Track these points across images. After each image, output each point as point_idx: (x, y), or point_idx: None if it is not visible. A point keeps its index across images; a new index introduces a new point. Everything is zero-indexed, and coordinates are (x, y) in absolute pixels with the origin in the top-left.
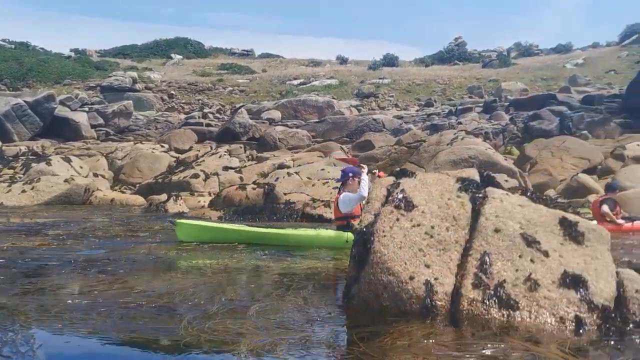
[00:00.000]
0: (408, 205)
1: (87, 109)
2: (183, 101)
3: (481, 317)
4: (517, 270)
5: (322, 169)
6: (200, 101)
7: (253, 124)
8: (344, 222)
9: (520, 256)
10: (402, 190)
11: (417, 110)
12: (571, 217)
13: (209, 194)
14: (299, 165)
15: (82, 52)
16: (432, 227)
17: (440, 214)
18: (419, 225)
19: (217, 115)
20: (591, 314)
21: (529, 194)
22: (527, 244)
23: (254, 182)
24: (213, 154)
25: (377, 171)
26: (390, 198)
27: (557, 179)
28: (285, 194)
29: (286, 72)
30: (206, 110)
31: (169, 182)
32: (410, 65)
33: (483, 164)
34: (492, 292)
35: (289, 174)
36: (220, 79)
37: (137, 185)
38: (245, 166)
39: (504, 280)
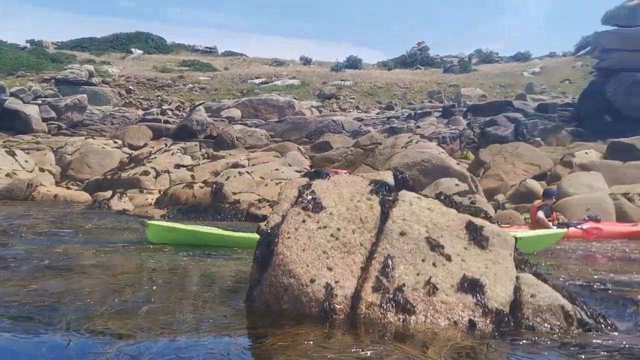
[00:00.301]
0: (316, 206)
1: (40, 101)
2: (141, 97)
3: (378, 321)
4: (418, 274)
5: (276, 169)
6: (159, 97)
7: (211, 122)
8: None
9: (423, 260)
10: (312, 192)
11: (377, 113)
12: (478, 221)
13: (159, 192)
14: (254, 165)
15: (38, 43)
16: (339, 230)
17: (348, 216)
18: (325, 227)
19: (176, 112)
20: (485, 318)
21: (442, 197)
22: (431, 248)
23: (202, 181)
24: (165, 151)
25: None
26: (299, 199)
27: (508, 184)
28: (234, 193)
29: (248, 70)
30: (165, 106)
31: (118, 179)
32: (374, 68)
33: (436, 167)
34: (391, 296)
35: (240, 173)
36: (181, 76)
37: (86, 181)
38: (199, 164)
39: (404, 284)
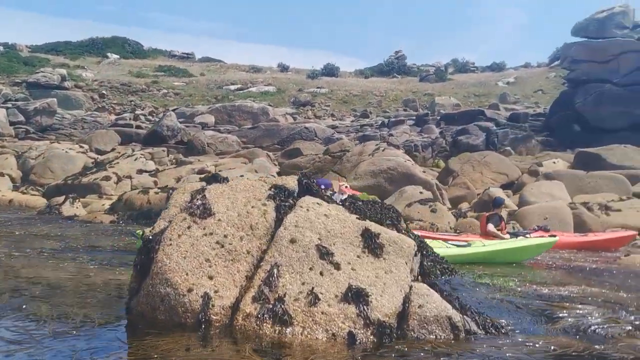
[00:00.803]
0: (205, 212)
1: (9, 105)
2: (114, 101)
3: (254, 332)
4: (303, 283)
5: (241, 176)
6: (132, 102)
7: (182, 127)
8: None
9: (310, 269)
10: (204, 197)
11: (352, 121)
12: (375, 229)
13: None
14: (220, 171)
15: (12, 46)
16: (225, 236)
17: (238, 222)
18: (211, 234)
19: (149, 117)
20: (366, 330)
21: (347, 204)
22: (321, 256)
23: (159, 187)
24: (129, 156)
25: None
26: (189, 204)
27: (474, 193)
28: None
29: (225, 77)
30: (138, 112)
31: (78, 184)
32: (351, 77)
33: (401, 175)
34: (270, 307)
35: (201, 179)
36: (155, 81)
37: (46, 186)
38: (164, 170)
39: (286, 294)
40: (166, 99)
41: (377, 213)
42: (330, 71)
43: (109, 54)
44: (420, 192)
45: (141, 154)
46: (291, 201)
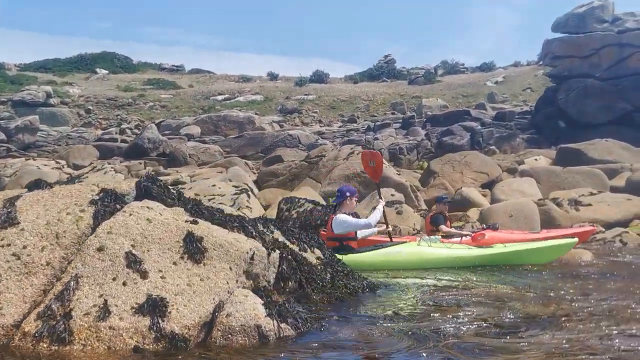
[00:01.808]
0: (7, 221)
1: None
2: (101, 116)
3: (29, 353)
4: (100, 296)
5: (213, 185)
6: (118, 117)
7: (164, 139)
8: (336, 243)
9: (114, 279)
10: (12, 204)
11: (340, 126)
12: (200, 232)
13: None
14: (194, 181)
15: (0, 65)
16: (24, 247)
17: (43, 231)
18: (9, 245)
19: (136, 131)
20: (156, 343)
21: (189, 206)
22: (128, 265)
23: None
24: (98, 170)
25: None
26: None
27: (452, 193)
28: None
29: (212, 87)
30: (124, 125)
31: None
32: (340, 82)
33: None
34: (53, 324)
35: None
36: (142, 94)
37: None
38: None
39: (76, 309)
40: (153, 111)
41: (225, 217)
42: (319, 78)
43: (97, 70)
44: (392, 195)
45: (111, 168)
46: (118, 206)
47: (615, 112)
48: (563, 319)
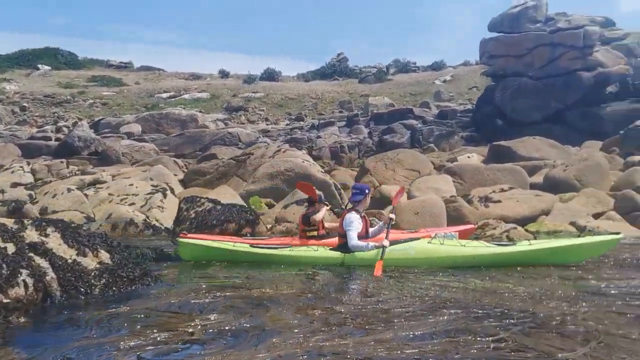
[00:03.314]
0: None
1: None
2: (37, 114)
3: None
4: None
5: (131, 185)
6: (55, 114)
7: (96, 137)
8: (344, 240)
9: None
10: None
11: (287, 125)
12: None
13: None
14: (114, 180)
15: None
16: None
17: None
18: None
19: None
20: None
21: None
22: None
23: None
24: (6, 169)
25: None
26: None
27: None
28: (56, 211)
29: (158, 85)
30: (61, 124)
31: None
32: (293, 80)
33: (299, 176)
34: None
35: (69, 190)
36: (82, 92)
37: None
38: (51, 181)
39: None
40: (93, 109)
41: None
42: (270, 75)
43: (39, 66)
44: (325, 204)
45: (20, 167)
46: None
47: (548, 111)
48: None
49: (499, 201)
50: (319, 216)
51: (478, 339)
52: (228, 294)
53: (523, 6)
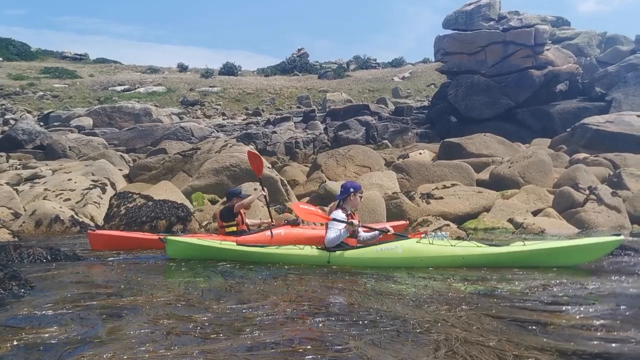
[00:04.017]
0: None
1: None
2: None
3: None
4: None
5: (69, 180)
6: (2, 106)
7: (42, 130)
8: None
9: None
10: None
11: (244, 119)
12: None
13: None
14: (52, 175)
15: None
16: None
17: None
18: None
19: None
20: None
21: None
22: None
23: None
24: None
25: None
26: None
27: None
28: None
29: (113, 78)
30: (8, 116)
31: None
32: (252, 75)
33: (244, 172)
34: None
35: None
36: (32, 83)
37: None
38: None
39: None
40: (42, 101)
41: None
42: (229, 70)
43: None
44: (255, 189)
45: None
46: None
47: (499, 108)
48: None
49: (441, 198)
50: (247, 200)
51: (326, 347)
52: (91, 303)
53: (476, 4)
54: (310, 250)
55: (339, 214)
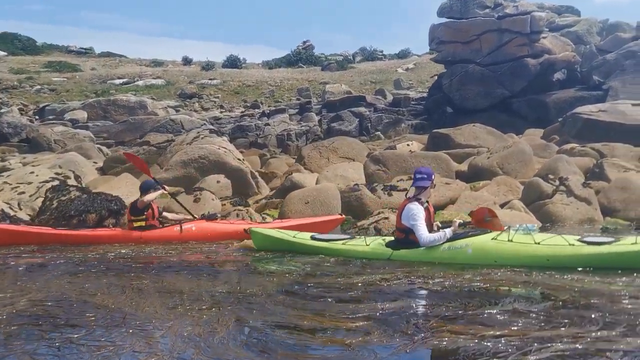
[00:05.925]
0: None
1: None
2: None
3: None
4: None
5: (31, 172)
6: None
7: (27, 124)
8: (402, 235)
9: None
10: None
11: (242, 112)
12: None
13: None
14: (24, 167)
15: None
16: None
17: None
18: None
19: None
20: None
21: None
22: None
23: None
24: None
25: None
26: None
27: None
28: None
29: (115, 71)
30: (3, 110)
31: None
32: (258, 68)
33: (213, 164)
34: None
35: None
36: (29, 77)
37: None
38: None
39: None
40: (40, 95)
41: None
42: (232, 62)
43: None
44: (218, 182)
45: None
46: None
47: (494, 98)
48: None
49: (405, 190)
50: (147, 197)
51: None
52: None
53: None
54: (375, 246)
55: (418, 207)
